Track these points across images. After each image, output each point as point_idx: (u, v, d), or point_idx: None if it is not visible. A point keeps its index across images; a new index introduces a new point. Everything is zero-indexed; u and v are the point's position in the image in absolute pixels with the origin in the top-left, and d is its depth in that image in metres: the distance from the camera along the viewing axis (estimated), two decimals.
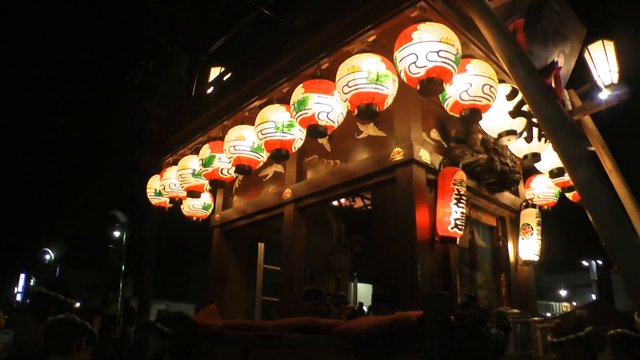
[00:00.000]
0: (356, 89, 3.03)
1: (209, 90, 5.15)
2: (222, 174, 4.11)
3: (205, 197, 5.32)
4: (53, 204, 21.41)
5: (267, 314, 5.74)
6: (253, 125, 3.73)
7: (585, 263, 28.64)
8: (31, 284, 30.13)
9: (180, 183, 4.50)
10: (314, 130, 3.30)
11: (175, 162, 4.84)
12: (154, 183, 5.10)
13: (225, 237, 4.94)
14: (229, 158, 3.88)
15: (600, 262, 27.35)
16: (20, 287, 30.49)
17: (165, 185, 4.75)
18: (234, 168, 4.06)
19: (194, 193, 4.46)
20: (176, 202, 4.81)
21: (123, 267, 16.39)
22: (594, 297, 26.68)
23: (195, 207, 5.26)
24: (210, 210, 5.38)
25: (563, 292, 35.03)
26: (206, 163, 4.08)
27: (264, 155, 3.95)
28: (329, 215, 5.00)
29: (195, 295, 31.14)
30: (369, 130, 3.79)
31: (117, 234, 17.04)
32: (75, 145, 20.90)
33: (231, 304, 4.84)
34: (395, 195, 3.42)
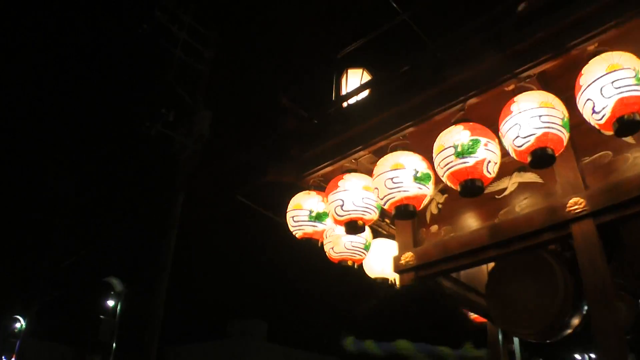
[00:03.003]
0: None
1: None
2: (487, 170, 2.60)
3: (366, 233, 3.75)
4: (34, 266, 18.62)
5: None
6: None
7: None
8: None
9: (387, 194, 2.89)
10: None
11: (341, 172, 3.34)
12: (306, 203, 3.48)
13: None
14: (526, 137, 2.39)
15: None
16: None
17: (345, 200, 3.15)
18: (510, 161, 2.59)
19: (408, 208, 2.88)
20: (358, 229, 3.20)
21: (114, 344, 13.96)
22: None
23: (355, 246, 3.66)
24: (369, 252, 3.81)
25: None
26: (465, 151, 2.57)
27: (567, 134, 2.51)
28: (550, 260, 3.48)
29: None
30: None
31: (110, 303, 14.64)
32: (71, 203, 18.33)
33: None
34: None
